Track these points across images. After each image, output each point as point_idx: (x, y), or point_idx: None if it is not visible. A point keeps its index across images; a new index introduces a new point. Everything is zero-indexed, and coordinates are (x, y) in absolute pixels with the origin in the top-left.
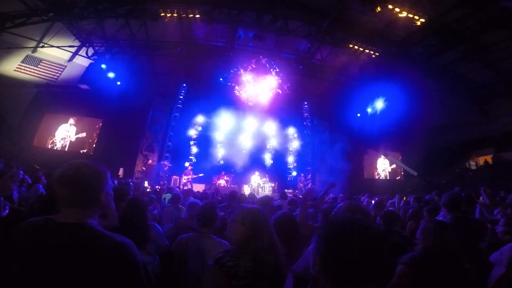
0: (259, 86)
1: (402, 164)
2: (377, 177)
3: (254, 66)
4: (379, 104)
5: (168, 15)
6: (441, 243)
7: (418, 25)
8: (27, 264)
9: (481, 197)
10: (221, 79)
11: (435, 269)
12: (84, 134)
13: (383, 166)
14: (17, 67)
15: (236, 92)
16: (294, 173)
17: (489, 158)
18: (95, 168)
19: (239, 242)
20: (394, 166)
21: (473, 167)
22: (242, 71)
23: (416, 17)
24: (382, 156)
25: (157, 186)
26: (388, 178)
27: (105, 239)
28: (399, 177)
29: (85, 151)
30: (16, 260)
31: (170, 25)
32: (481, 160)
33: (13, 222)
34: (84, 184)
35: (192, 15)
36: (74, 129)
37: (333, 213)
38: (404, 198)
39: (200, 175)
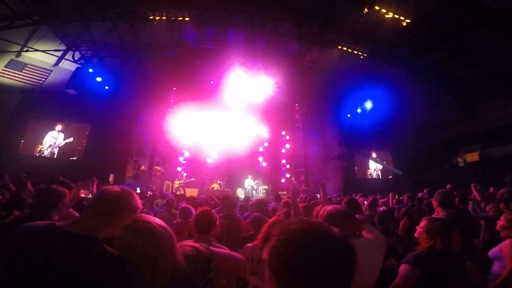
0: (251, 88)
1: (386, 164)
2: (369, 176)
3: (245, 69)
4: (368, 104)
5: (157, 17)
6: (447, 242)
7: (404, 26)
8: (20, 265)
9: (472, 194)
10: (211, 82)
11: (440, 268)
12: (71, 139)
13: (375, 166)
14: (0, 72)
15: (227, 95)
16: (288, 175)
17: (476, 155)
18: (135, 200)
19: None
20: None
21: (461, 164)
22: (233, 73)
23: (402, 18)
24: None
25: (149, 192)
26: (380, 177)
27: (104, 252)
28: (390, 176)
29: (74, 158)
30: (8, 259)
31: (159, 28)
32: (468, 157)
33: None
34: (120, 207)
35: (181, 18)
36: (62, 135)
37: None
38: (397, 197)
39: (192, 179)
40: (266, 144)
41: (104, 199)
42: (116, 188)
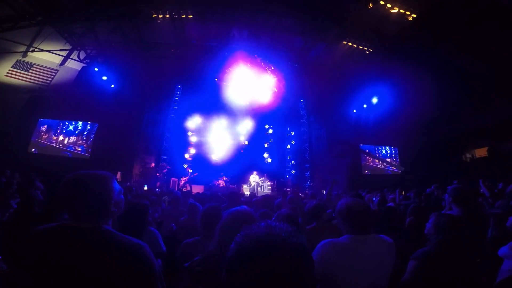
0: (255, 84)
1: (388, 162)
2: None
3: (249, 65)
4: (375, 99)
5: (161, 16)
6: (457, 238)
7: (410, 20)
8: (44, 269)
9: (481, 190)
10: (216, 79)
11: (449, 264)
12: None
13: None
14: (7, 72)
15: (231, 91)
16: (293, 171)
17: (485, 150)
18: (101, 180)
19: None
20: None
21: (470, 159)
22: (237, 70)
23: (408, 13)
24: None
25: (157, 189)
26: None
27: (123, 240)
28: (399, 171)
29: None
30: (31, 265)
31: (163, 26)
32: (477, 153)
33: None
34: (92, 198)
35: (185, 16)
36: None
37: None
38: (403, 193)
39: (195, 174)
40: (271, 140)
41: (74, 192)
42: (77, 176)
